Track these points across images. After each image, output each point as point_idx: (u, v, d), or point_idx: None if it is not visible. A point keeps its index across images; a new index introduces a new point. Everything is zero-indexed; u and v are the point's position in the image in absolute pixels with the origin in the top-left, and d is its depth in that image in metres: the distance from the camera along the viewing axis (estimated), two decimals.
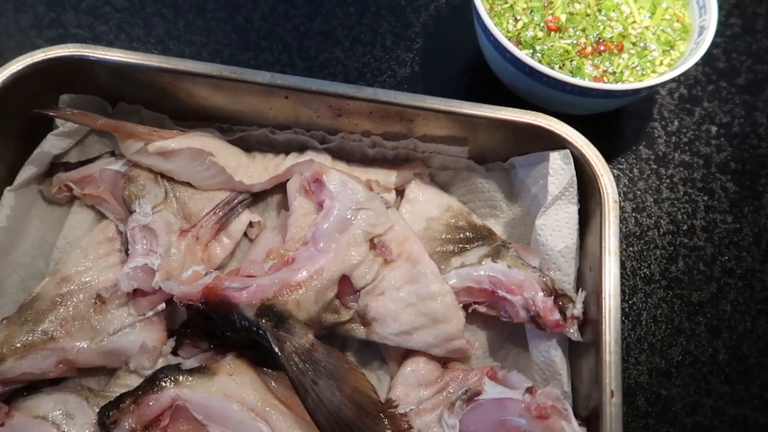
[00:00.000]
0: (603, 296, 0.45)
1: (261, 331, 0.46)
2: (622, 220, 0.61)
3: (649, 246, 0.60)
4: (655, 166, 0.64)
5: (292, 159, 0.57)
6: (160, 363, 0.50)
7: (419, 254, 0.50)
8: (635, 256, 0.60)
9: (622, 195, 0.63)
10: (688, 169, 0.64)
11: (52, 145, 0.55)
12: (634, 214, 0.62)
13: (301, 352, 0.46)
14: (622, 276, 0.58)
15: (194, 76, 0.53)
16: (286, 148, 0.58)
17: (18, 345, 0.48)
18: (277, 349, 0.45)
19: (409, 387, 0.49)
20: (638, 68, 0.58)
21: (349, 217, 0.50)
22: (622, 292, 0.58)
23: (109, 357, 0.50)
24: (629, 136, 0.66)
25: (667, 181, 0.64)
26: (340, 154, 0.58)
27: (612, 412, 0.41)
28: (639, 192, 0.63)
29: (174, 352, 0.50)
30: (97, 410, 0.47)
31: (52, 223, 0.57)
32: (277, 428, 0.46)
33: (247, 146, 0.58)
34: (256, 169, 0.57)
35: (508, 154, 0.56)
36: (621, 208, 0.61)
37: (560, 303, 0.48)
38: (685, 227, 0.61)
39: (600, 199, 0.49)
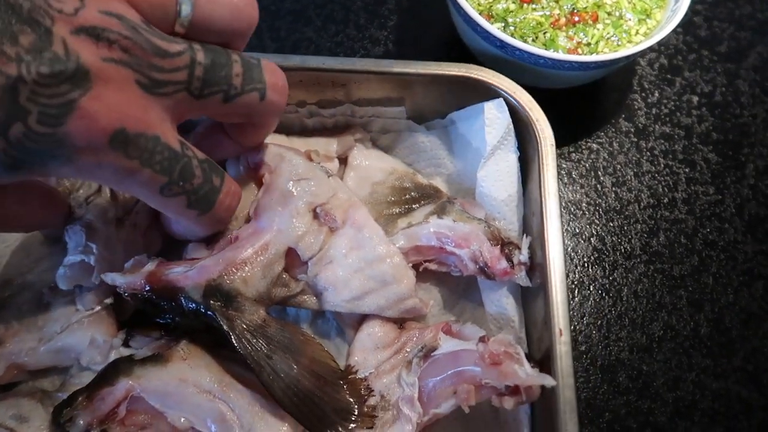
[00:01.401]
0: (546, 239, 0.45)
1: (209, 312, 0.45)
2: (602, 195, 0.61)
3: (629, 221, 0.60)
4: (636, 139, 0.64)
5: None
6: (113, 356, 0.49)
7: (364, 219, 0.50)
8: (615, 231, 0.60)
9: (602, 169, 0.62)
10: (669, 141, 0.64)
11: None
12: (614, 189, 0.61)
13: (252, 329, 0.45)
14: (602, 252, 0.58)
15: None
16: None
17: None
18: (227, 328, 0.44)
19: (366, 351, 0.49)
20: (614, 38, 0.57)
21: (290, 189, 0.50)
22: (602, 267, 0.58)
23: (60, 356, 0.49)
24: (609, 109, 0.66)
25: (648, 153, 0.63)
26: (279, 127, 0.56)
27: (561, 350, 0.42)
28: (619, 166, 0.62)
29: (125, 344, 0.49)
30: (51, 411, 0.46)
31: None
32: (236, 407, 0.45)
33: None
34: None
35: (447, 110, 0.55)
36: (600, 183, 0.61)
37: (507, 251, 0.48)
38: (666, 200, 0.61)
39: (537, 143, 0.49)
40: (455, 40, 0.66)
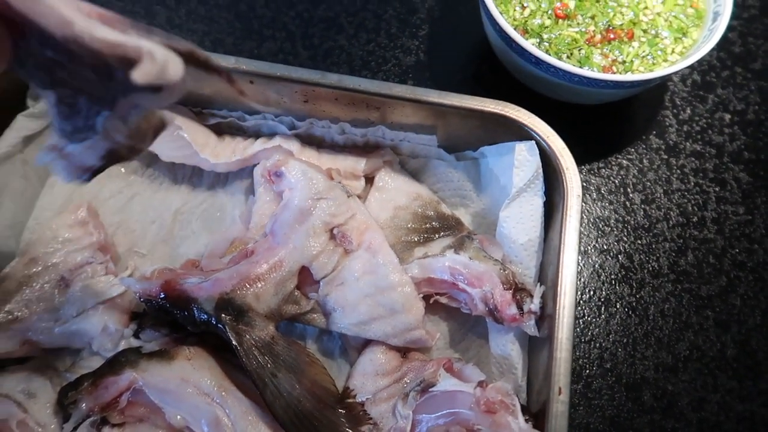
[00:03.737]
0: (558, 292, 0.45)
1: (220, 325, 0.46)
2: (631, 212, 0.59)
3: (657, 239, 0.59)
4: (666, 156, 0.63)
5: (260, 144, 0.56)
6: (122, 345, 0.51)
7: (379, 244, 0.50)
8: (643, 249, 0.58)
9: (631, 186, 0.61)
10: (699, 159, 0.62)
11: (22, 126, 0.56)
12: (643, 206, 0.60)
13: (260, 345, 0.46)
14: (629, 270, 0.57)
15: None
16: (255, 133, 0.58)
17: None
18: (236, 343, 0.45)
19: (366, 376, 0.49)
20: (649, 57, 0.56)
21: (308, 207, 0.50)
22: (630, 285, 0.57)
23: (73, 338, 0.50)
24: (639, 125, 0.64)
25: (678, 171, 0.62)
26: (310, 140, 0.57)
27: (558, 409, 0.41)
28: (648, 183, 0.61)
29: (136, 335, 0.51)
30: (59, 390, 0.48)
31: (24, 204, 0.57)
32: (232, 413, 0.46)
33: (218, 130, 0.58)
34: (223, 150, 0.56)
35: (478, 143, 0.55)
36: (629, 200, 0.60)
37: (518, 297, 0.47)
38: (696, 219, 0.60)
39: (563, 192, 0.48)
40: (487, 52, 0.65)
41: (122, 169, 0.59)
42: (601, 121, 0.63)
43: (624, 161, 0.62)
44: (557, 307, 0.44)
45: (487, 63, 0.66)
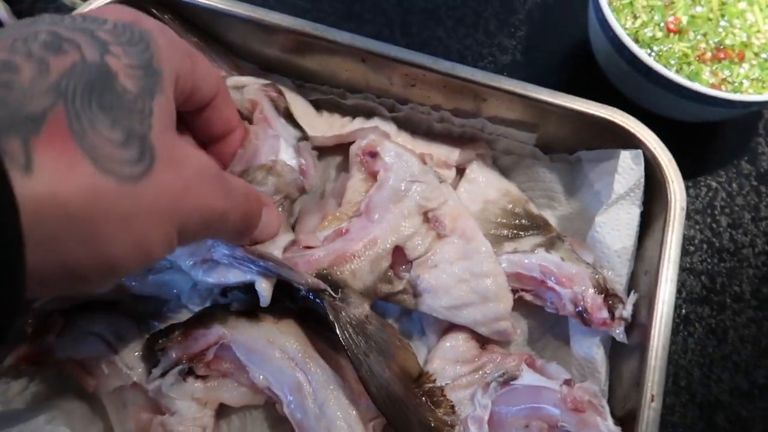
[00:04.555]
0: (656, 302, 0.45)
1: (318, 300, 0.46)
2: (717, 235, 0.59)
3: (741, 264, 0.59)
4: (756, 183, 0.62)
5: (358, 123, 0.57)
6: (209, 302, 0.52)
7: (473, 231, 0.50)
8: (726, 273, 0.58)
9: (718, 209, 0.61)
10: None
11: None
12: (729, 230, 0.60)
13: (355, 323, 0.46)
14: (711, 291, 0.57)
15: (276, 29, 0.54)
16: (353, 113, 0.59)
17: None
18: (332, 318, 0.46)
19: (446, 361, 0.49)
20: (759, 80, 0.56)
21: (402, 188, 0.51)
22: (710, 306, 0.57)
23: (163, 288, 0.52)
24: (731, 149, 0.64)
25: (767, 199, 0.62)
26: (406, 125, 0.58)
27: (650, 416, 0.41)
28: (737, 208, 0.61)
29: (223, 294, 0.52)
30: (146, 336, 0.49)
31: None
32: (314, 380, 0.47)
33: (316, 105, 0.59)
34: (321, 124, 0.57)
35: (576, 146, 0.55)
36: (716, 222, 0.60)
37: (610, 302, 0.47)
38: None
39: (666, 204, 0.48)
40: (585, 57, 0.65)
41: None
42: (692, 140, 0.63)
43: (713, 183, 0.62)
44: (654, 316, 0.44)
45: (584, 69, 0.66)
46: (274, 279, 0.46)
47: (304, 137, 0.53)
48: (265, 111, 0.54)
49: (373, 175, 0.54)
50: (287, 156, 0.52)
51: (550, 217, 0.57)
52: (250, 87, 0.54)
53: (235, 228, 0.40)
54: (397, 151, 0.53)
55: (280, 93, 0.55)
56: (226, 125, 0.46)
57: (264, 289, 0.45)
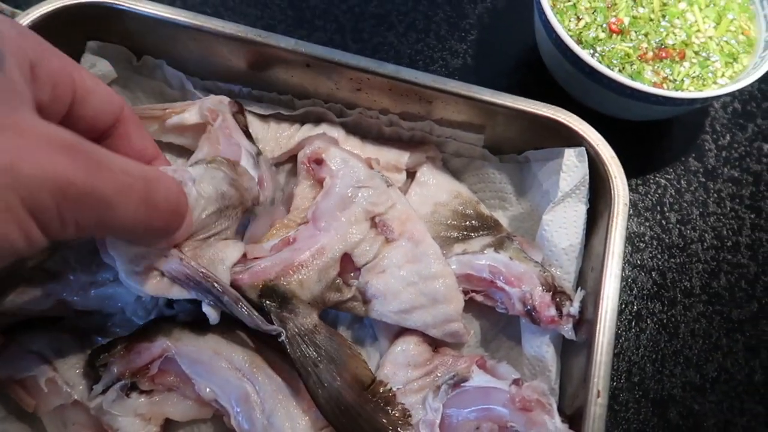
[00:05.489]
0: (601, 297, 0.45)
1: (265, 311, 0.46)
2: (666, 231, 0.60)
3: (691, 259, 0.59)
4: (704, 179, 0.63)
5: (306, 131, 0.57)
6: (154, 314, 0.50)
7: (421, 234, 0.50)
8: (677, 268, 0.59)
9: (667, 205, 0.62)
10: (736, 185, 0.63)
11: None
12: (678, 226, 0.61)
13: (303, 333, 0.46)
14: (662, 287, 0.58)
15: (219, 36, 0.53)
16: (302, 118, 0.58)
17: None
18: (279, 329, 0.45)
19: (397, 366, 0.49)
20: (699, 78, 0.57)
21: (349, 194, 0.50)
22: (661, 302, 0.57)
23: (106, 302, 0.50)
24: (679, 146, 0.65)
25: (715, 195, 0.63)
26: (356, 130, 0.58)
27: (596, 411, 0.41)
28: (685, 204, 0.62)
29: (169, 305, 0.51)
30: (89, 352, 0.48)
31: None
32: (262, 391, 0.46)
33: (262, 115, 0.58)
34: (269, 144, 0.57)
35: (524, 146, 0.55)
36: (665, 218, 0.61)
37: (558, 300, 0.47)
38: (730, 243, 0.60)
39: (610, 200, 0.48)
40: (534, 62, 0.66)
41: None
42: (641, 139, 0.64)
43: (662, 180, 0.63)
44: (599, 312, 0.44)
45: (534, 72, 0.67)
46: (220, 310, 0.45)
47: (260, 153, 0.53)
48: (227, 121, 0.53)
49: (320, 182, 0.54)
50: (247, 166, 0.51)
51: (502, 217, 0.57)
52: (212, 98, 0.54)
53: (135, 220, 0.34)
54: (343, 157, 0.53)
55: (242, 110, 0.55)
56: (139, 156, 0.43)
57: (211, 312, 0.44)
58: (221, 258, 0.46)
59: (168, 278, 0.45)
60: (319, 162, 0.52)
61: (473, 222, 0.54)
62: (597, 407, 0.41)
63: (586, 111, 0.60)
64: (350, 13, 0.70)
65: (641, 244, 0.60)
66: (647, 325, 0.56)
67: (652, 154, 0.64)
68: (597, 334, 0.43)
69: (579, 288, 0.48)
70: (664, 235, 0.60)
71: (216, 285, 0.43)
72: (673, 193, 0.62)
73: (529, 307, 0.47)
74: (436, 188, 0.56)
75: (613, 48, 0.57)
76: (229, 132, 0.53)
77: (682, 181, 0.63)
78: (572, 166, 0.51)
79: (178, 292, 0.45)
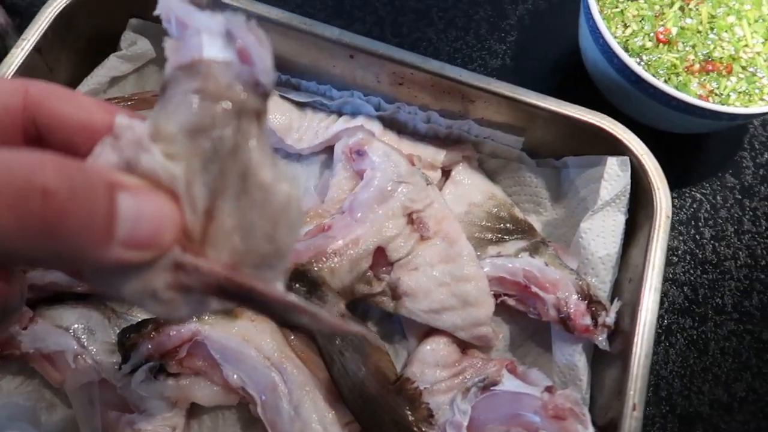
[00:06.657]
0: (639, 309, 0.44)
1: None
2: (700, 246, 0.59)
3: (724, 276, 0.59)
4: (740, 197, 0.62)
5: (342, 123, 0.56)
6: None
7: (456, 235, 0.50)
8: (709, 285, 0.58)
9: (702, 220, 0.61)
10: None
11: (112, 66, 0.56)
12: (712, 242, 0.60)
13: None
14: (693, 302, 0.57)
15: (263, 21, 0.53)
16: (339, 109, 0.58)
17: None
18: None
19: (425, 365, 0.48)
20: (745, 93, 0.56)
21: (389, 189, 0.50)
22: (692, 318, 0.56)
23: None
24: (716, 162, 0.64)
25: (750, 213, 0.62)
26: (392, 125, 0.57)
27: (632, 425, 0.41)
28: (720, 220, 0.61)
29: None
30: (117, 331, 0.47)
31: None
32: (289, 380, 0.45)
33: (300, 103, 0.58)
34: (306, 133, 0.56)
35: (562, 151, 0.55)
36: (700, 233, 0.60)
37: (593, 309, 0.47)
38: (764, 263, 0.59)
39: (652, 212, 0.48)
40: (574, 65, 0.65)
41: None
42: (679, 152, 0.63)
43: (698, 195, 0.62)
44: (637, 324, 0.44)
45: (573, 76, 0.66)
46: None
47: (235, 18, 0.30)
48: (178, 13, 0.29)
49: (358, 174, 0.53)
50: (214, 50, 0.28)
51: (536, 222, 0.57)
52: None
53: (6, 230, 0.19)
54: (386, 150, 0.52)
55: None
56: (87, 127, 0.28)
57: None
58: None
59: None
60: (361, 153, 0.51)
61: (507, 225, 0.54)
62: (633, 420, 0.41)
63: (626, 119, 0.59)
64: (390, 5, 0.69)
65: (674, 258, 0.59)
66: (677, 340, 0.55)
67: (688, 167, 0.63)
68: (634, 347, 0.43)
69: (615, 298, 0.48)
70: (697, 251, 0.59)
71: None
72: (709, 209, 0.61)
73: (563, 315, 0.47)
74: (471, 188, 0.55)
75: (659, 58, 0.56)
76: (182, 26, 0.26)
77: (718, 197, 0.62)
78: (614, 174, 0.50)
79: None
